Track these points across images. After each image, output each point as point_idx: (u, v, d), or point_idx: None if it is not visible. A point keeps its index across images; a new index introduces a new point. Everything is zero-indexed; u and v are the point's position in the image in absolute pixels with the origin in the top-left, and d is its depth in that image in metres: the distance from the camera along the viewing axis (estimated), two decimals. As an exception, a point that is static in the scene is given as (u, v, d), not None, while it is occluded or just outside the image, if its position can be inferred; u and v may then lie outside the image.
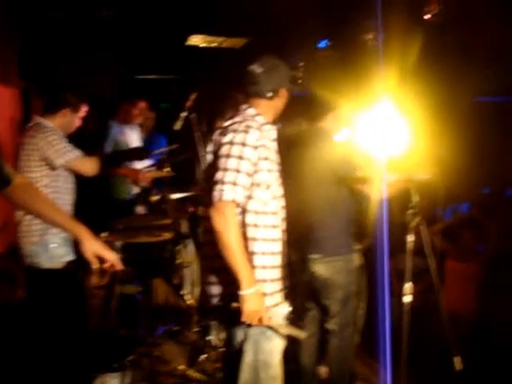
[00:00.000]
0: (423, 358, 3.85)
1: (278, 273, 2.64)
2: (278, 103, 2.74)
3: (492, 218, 4.91)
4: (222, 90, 4.27)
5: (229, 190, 2.42)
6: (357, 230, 3.64)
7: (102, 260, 2.38)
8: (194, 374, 4.00)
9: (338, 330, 3.55)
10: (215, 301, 2.63)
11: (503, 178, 6.06)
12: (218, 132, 2.62)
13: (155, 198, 4.58)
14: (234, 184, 2.43)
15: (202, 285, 2.77)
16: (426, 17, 4.70)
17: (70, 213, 3.68)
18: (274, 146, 2.69)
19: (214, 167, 2.53)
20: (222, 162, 2.47)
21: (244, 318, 2.50)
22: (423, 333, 3.98)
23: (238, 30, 6.74)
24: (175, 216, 4.37)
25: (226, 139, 2.50)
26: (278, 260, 2.65)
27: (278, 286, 2.65)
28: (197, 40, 7.16)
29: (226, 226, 2.42)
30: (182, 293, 4.56)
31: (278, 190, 2.67)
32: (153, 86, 8.48)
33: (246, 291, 2.46)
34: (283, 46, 6.10)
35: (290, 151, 3.55)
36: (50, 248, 3.49)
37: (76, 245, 2.49)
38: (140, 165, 5.51)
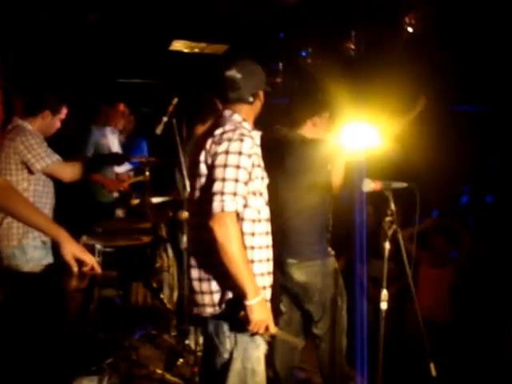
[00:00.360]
0: (399, 364, 3.89)
1: (271, 279, 2.65)
2: (257, 106, 2.73)
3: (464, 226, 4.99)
4: (203, 96, 4.28)
5: (230, 201, 2.38)
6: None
7: (81, 263, 2.38)
8: (171, 377, 4.00)
9: (324, 334, 3.58)
10: (208, 310, 2.58)
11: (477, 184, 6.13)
12: (208, 140, 2.52)
13: (135, 201, 4.57)
14: (235, 194, 2.40)
15: (189, 293, 2.72)
16: (405, 28, 4.75)
17: (50, 217, 3.66)
18: (259, 151, 2.67)
19: (208, 177, 2.49)
20: (220, 172, 2.42)
21: (252, 328, 2.47)
22: (399, 339, 4.03)
23: (220, 37, 6.75)
24: (155, 220, 4.36)
25: (220, 148, 2.45)
26: (271, 266, 2.65)
27: (270, 292, 2.65)
28: (179, 45, 7.15)
29: (229, 237, 2.39)
30: (160, 297, 4.56)
31: (267, 195, 2.66)
32: (135, 89, 8.46)
33: (252, 301, 2.42)
34: (264, 52, 6.15)
35: (269, 156, 3.59)
36: (29, 252, 3.47)
37: (55, 248, 2.49)
38: (120, 169, 5.51)
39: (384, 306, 3.06)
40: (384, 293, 3.06)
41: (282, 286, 3.64)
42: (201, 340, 4.00)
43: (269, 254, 2.64)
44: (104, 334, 4.26)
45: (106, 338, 4.25)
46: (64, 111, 3.83)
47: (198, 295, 2.60)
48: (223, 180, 2.41)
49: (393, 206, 3.02)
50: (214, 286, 2.54)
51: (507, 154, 6.57)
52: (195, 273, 2.60)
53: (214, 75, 2.69)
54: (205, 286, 2.57)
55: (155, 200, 4.45)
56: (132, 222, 4.51)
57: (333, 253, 3.64)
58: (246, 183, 2.45)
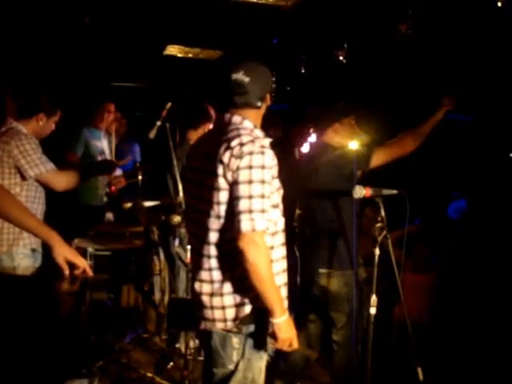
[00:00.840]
0: (387, 369, 3.91)
1: (286, 290, 2.58)
2: (264, 109, 2.59)
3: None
4: (196, 101, 4.30)
5: (260, 219, 2.27)
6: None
7: (73, 266, 2.38)
8: (161, 381, 4.00)
9: (345, 341, 3.59)
10: (218, 326, 2.49)
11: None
12: (226, 152, 2.34)
13: (128, 205, 4.57)
14: (263, 211, 2.29)
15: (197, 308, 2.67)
16: (397, 35, 4.78)
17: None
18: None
19: (231, 193, 2.34)
20: (245, 189, 2.28)
21: (279, 345, 2.47)
22: (387, 343, 4.05)
23: (214, 42, 6.78)
24: (147, 224, 4.36)
25: (243, 163, 2.29)
26: (286, 277, 2.58)
27: (287, 302, 2.58)
28: (174, 50, 7.18)
29: (261, 257, 2.31)
30: (151, 300, 4.56)
31: (282, 206, 2.56)
32: (128, 93, 8.47)
33: (280, 319, 2.39)
34: (257, 59, 6.17)
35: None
36: (17, 259, 3.44)
37: (47, 251, 2.49)
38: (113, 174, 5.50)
39: (373, 310, 3.08)
40: (373, 298, 3.08)
41: (310, 295, 3.68)
42: (191, 343, 4.01)
43: (284, 265, 2.57)
44: (95, 336, 4.26)
45: (97, 340, 4.25)
46: (58, 114, 3.79)
47: (208, 310, 2.49)
48: (250, 197, 2.28)
49: (383, 213, 3.05)
50: (227, 300, 2.45)
51: (494, 164, 6.62)
52: (206, 287, 2.49)
53: (218, 78, 2.54)
54: (216, 301, 2.46)
55: (147, 204, 4.45)
56: (124, 225, 4.50)
57: (361, 262, 3.65)
58: (269, 197, 2.35)
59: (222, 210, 2.38)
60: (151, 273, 4.41)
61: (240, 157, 2.30)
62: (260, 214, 2.28)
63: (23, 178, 3.49)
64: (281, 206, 2.53)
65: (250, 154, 2.30)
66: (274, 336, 2.44)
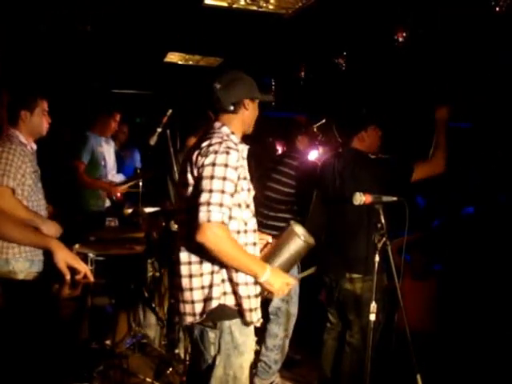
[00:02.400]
0: (386, 376, 3.89)
1: (258, 288, 2.64)
2: (246, 115, 2.70)
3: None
4: (196, 108, 4.30)
5: (216, 211, 2.39)
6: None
7: (74, 271, 2.37)
8: (160, 386, 3.99)
9: (359, 345, 3.59)
10: (188, 319, 2.60)
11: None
12: (195, 152, 2.54)
13: (128, 211, 4.57)
14: (221, 205, 2.41)
15: (173, 302, 2.75)
16: (396, 42, 4.79)
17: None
18: (246, 164, 2.68)
19: (195, 188, 2.51)
20: (206, 184, 2.44)
21: (278, 296, 2.65)
22: (386, 350, 4.03)
23: (214, 50, 6.79)
24: (147, 230, 4.35)
25: (207, 160, 2.46)
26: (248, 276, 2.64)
27: (258, 301, 2.66)
28: (174, 57, 7.18)
29: (219, 242, 2.42)
30: (151, 305, 4.54)
31: (253, 207, 2.68)
32: (128, 100, 8.48)
33: (265, 276, 2.54)
34: (257, 66, 6.18)
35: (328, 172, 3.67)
36: (12, 262, 3.41)
37: (48, 256, 2.48)
38: (114, 179, 5.50)
39: (373, 317, 3.07)
40: (373, 305, 3.07)
41: (333, 298, 3.72)
42: (190, 349, 4.00)
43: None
44: (95, 341, 4.25)
45: (97, 345, 4.23)
46: (42, 103, 3.58)
47: (180, 304, 2.62)
48: (210, 191, 2.42)
49: (382, 220, 3.04)
50: (196, 295, 2.56)
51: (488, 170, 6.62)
52: (178, 282, 2.62)
53: (205, 88, 2.70)
54: (187, 295, 2.58)
55: (148, 210, 4.45)
56: (125, 231, 4.49)
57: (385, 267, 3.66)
58: (231, 195, 2.46)
59: (189, 204, 2.53)
60: (151, 278, 4.39)
61: (206, 155, 2.49)
62: (217, 206, 2.40)
63: None
64: (252, 207, 2.65)
65: (215, 152, 2.47)
66: (271, 293, 2.62)
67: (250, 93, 2.70)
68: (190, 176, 2.54)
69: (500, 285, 4.50)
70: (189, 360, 2.93)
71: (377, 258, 3.04)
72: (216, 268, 2.54)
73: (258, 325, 2.68)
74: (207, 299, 2.54)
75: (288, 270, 2.77)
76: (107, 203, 5.43)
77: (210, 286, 2.54)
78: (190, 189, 2.54)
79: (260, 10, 4.92)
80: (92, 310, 3.97)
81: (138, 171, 5.05)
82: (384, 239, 3.01)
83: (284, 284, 2.61)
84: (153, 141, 4.33)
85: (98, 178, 5.29)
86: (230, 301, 2.57)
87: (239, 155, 2.53)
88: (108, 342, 4.34)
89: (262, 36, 5.85)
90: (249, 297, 2.57)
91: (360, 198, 2.99)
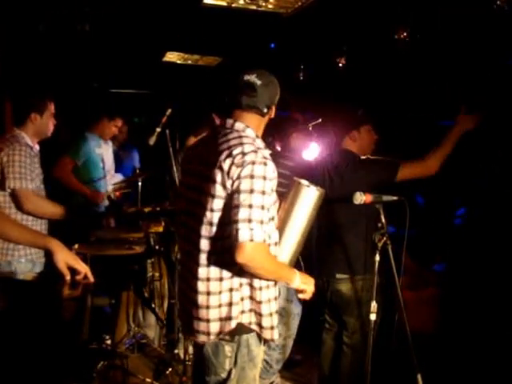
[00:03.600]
0: (386, 376, 3.89)
1: (277, 304, 2.56)
2: (266, 121, 2.54)
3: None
4: (196, 108, 4.29)
5: (258, 230, 2.23)
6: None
7: (73, 271, 2.37)
8: (160, 386, 4.00)
9: (357, 344, 3.60)
10: (201, 338, 2.45)
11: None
12: (226, 160, 2.30)
13: (128, 210, 4.55)
14: (262, 222, 2.25)
15: (182, 316, 2.64)
16: (396, 41, 4.80)
17: (45, 228, 3.63)
18: None
19: (228, 201, 2.30)
20: (245, 198, 2.23)
21: (308, 298, 2.59)
22: (386, 350, 4.03)
23: (213, 49, 6.79)
24: (147, 230, 4.35)
25: (244, 172, 2.25)
26: (277, 291, 2.55)
27: (277, 318, 2.55)
28: (173, 57, 7.19)
29: (262, 262, 2.31)
30: (151, 306, 4.54)
31: (276, 219, 2.54)
32: (127, 99, 8.48)
33: (296, 282, 2.48)
34: (256, 66, 6.17)
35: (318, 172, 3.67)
36: (14, 263, 3.42)
37: (48, 257, 2.48)
38: (112, 180, 5.50)
39: (373, 317, 3.07)
40: (373, 304, 3.07)
41: (326, 299, 3.72)
42: (190, 349, 4.00)
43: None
44: (94, 342, 4.25)
45: (97, 345, 4.23)
46: (51, 105, 3.66)
47: (193, 320, 2.44)
48: (250, 207, 2.23)
49: (383, 219, 3.04)
50: (212, 314, 2.39)
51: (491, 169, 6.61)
52: (193, 297, 2.42)
53: (229, 78, 2.50)
54: (202, 313, 2.41)
55: (147, 210, 4.44)
56: (124, 231, 4.49)
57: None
58: (269, 209, 2.32)
59: (215, 217, 2.34)
60: (151, 279, 4.39)
61: (242, 165, 2.26)
62: (259, 224, 2.24)
63: (3, 186, 3.43)
64: (275, 219, 2.50)
65: (253, 163, 2.26)
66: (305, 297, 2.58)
67: (277, 99, 2.54)
68: (219, 187, 2.31)
69: (501, 285, 4.49)
70: (193, 374, 2.83)
71: (377, 258, 3.04)
72: (235, 286, 2.40)
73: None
74: (225, 318, 2.39)
75: (310, 226, 2.66)
76: (106, 203, 5.42)
77: (230, 305, 2.39)
78: (220, 200, 2.32)
79: (259, 9, 4.92)
80: (92, 311, 3.97)
81: (137, 171, 5.03)
82: (385, 239, 3.00)
83: (311, 289, 2.56)
84: (152, 141, 4.33)
85: (96, 179, 5.28)
86: (246, 319, 2.43)
87: (274, 165, 2.35)
88: (108, 342, 4.35)
89: (262, 35, 5.86)
90: (271, 314, 2.45)
91: (360, 198, 2.98)
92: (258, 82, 2.40)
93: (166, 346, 4.58)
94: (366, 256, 3.50)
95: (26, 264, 3.42)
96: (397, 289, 3.08)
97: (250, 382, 2.53)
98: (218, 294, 2.38)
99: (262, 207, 2.25)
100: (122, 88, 8.43)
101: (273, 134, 4.74)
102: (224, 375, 2.48)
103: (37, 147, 3.67)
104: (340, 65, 5.80)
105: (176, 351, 4.33)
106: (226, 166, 2.29)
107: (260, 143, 2.43)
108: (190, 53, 7.02)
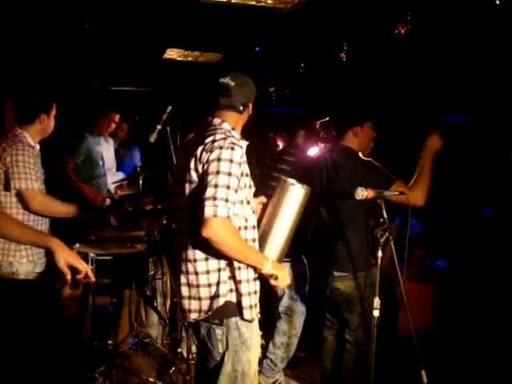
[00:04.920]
0: (390, 372, 3.90)
1: (257, 285, 2.69)
2: (245, 117, 2.80)
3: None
4: (197, 105, 4.29)
5: (222, 206, 2.43)
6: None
7: (75, 271, 2.38)
8: (163, 386, 4.00)
9: (359, 341, 3.61)
10: (192, 316, 2.64)
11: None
12: (199, 148, 2.55)
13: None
14: (226, 200, 2.45)
15: (176, 299, 2.76)
16: (396, 36, 4.79)
17: (46, 228, 3.63)
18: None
19: (199, 184, 2.53)
20: (212, 179, 2.46)
21: (279, 286, 2.74)
22: (390, 346, 4.04)
23: (213, 45, 6.79)
24: (148, 228, 4.35)
25: (212, 156, 2.49)
26: (256, 273, 2.68)
27: (257, 298, 2.71)
28: (173, 54, 7.19)
29: (225, 237, 2.47)
30: (153, 304, 4.55)
31: (254, 204, 2.73)
32: (127, 97, 8.48)
33: (267, 267, 2.61)
34: (256, 62, 6.19)
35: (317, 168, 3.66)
36: (15, 263, 3.43)
37: (49, 256, 2.49)
38: (113, 178, 5.51)
39: (376, 313, 3.08)
40: (376, 300, 3.08)
41: (326, 297, 3.73)
42: (193, 348, 4.00)
43: None
44: (97, 341, 4.26)
45: (99, 345, 4.24)
46: (53, 107, 3.68)
47: (185, 300, 2.65)
48: (215, 186, 2.45)
49: (385, 214, 3.04)
50: (203, 292, 2.60)
51: (490, 164, 6.62)
52: (184, 279, 2.64)
53: (207, 83, 2.76)
54: (193, 292, 2.62)
55: (149, 207, 4.45)
56: (126, 229, 4.50)
57: (374, 262, 3.65)
58: (236, 191, 2.50)
59: (193, 201, 2.56)
60: (153, 277, 4.40)
61: (210, 150, 2.51)
62: (223, 201, 2.44)
63: (8, 187, 3.42)
64: (252, 203, 2.68)
65: (220, 148, 2.50)
66: (275, 284, 2.70)
67: (254, 98, 2.79)
68: (194, 173, 2.56)
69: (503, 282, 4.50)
70: (196, 358, 2.95)
71: (380, 254, 3.04)
72: (223, 265, 2.59)
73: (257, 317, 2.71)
74: (214, 296, 2.58)
75: (296, 225, 2.79)
76: (108, 200, 5.42)
77: (218, 284, 2.58)
78: (194, 185, 2.56)
79: (259, 4, 4.91)
80: (94, 310, 3.98)
81: (138, 169, 5.04)
82: (387, 234, 3.01)
83: (284, 277, 2.68)
84: (152, 138, 4.32)
85: (96, 177, 5.29)
86: (234, 298, 2.61)
87: (242, 151, 2.58)
88: (110, 342, 4.36)
89: (262, 31, 5.85)
90: (249, 294, 2.62)
91: (362, 193, 2.98)
92: (232, 84, 2.67)
93: (169, 345, 4.59)
94: (366, 253, 3.52)
95: (27, 264, 3.43)
96: (400, 285, 3.09)
97: (244, 365, 2.65)
98: (206, 274, 2.59)
99: (228, 187, 2.45)
100: (122, 86, 8.43)
101: (278, 131, 4.75)
102: (219, 358, 2.65)
103: (37, 147, 3.68)
104: (342, 59, 5.80)
105: (179, 350, 4.34)
106: (198, 152, 2.54)
107: (235, 134, 2.67)
108: (190, 49, 7.02)
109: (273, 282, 2.69)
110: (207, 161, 2.50)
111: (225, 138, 2.54)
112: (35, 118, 3.58)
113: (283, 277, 2.68)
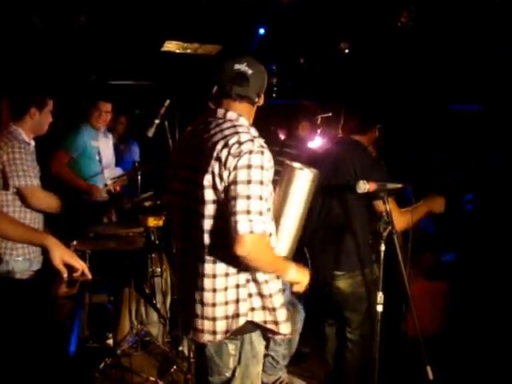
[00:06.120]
0: (395, 367, 3.90)
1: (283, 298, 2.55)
2: (256, 108, 2.55)
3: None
4: (196, 98, 4.28)
5: (258, 221, 2.22)
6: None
7: (71, 269, 2.38)
8: (164, 385, 4.01)
9: (361, 340, 3.60)
10: (206, 337, 2.42)
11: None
12: (223, 150, 2.28)
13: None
14: (261, 214, 2.24)
15: (182, 315, 2.64)
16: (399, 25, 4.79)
17: (41, 226, 3.65)
18: None
19: (226, 193, 2.28)
20: (243, 189, 2.22)
21: (301, 291, 2.62)
22: (394, 341, 4.04)
23: (213, 37, 6.78)
24: (147, 224, 4.36)
25: (241, 162, 2.24)
26: (279, 284, 2.53)
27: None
28: (171, 46, 7.18)
29: (262, 254, 2.31)
30: (153, 302, 4.56)
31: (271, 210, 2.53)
32: (126, 91, 8.47)
33: (291, 275, 2.48)
34: (257, 53, 6.16)
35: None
36: (12, 262, 3.45)
37: (45, 254, 2.49)
38: (111, 174, 5.50)
39: (380, 308, 3.07)
40: (380, 295, 3.07)
41: (325, 297, 3.70)
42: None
43: None
44: (95, 340, 4.27)
45: (98, 344, 4.25)
46: (50, 102, 3.68)
47: (197, 320, 2.42)
48: (248, 198, 2.22)
49: (388, 208, 3.04)
50: (219, 311, 2.38)
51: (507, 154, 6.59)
52: (199, 295, 2.40)
53: (219, 68, 2.46)
54: (207, 311, 2.39)
55: (148, 203, 4.45)
56: (124, 226, 4.50)
57: (374, 259, 3.63)
58: (267, 200, 2.32)
59: (216, 210, 2.33)
60: (152, 274, 4.41)
61: (239, 155, 2.25)
62: (258, 216, 2.23)
63: (6, 186, 3.45)
64: (272, 209, 2.49)
65: (250, 152, 2.25)
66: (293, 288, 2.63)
67: (265, 87, 2.54)
68: (217, 179, 2.29)
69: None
70: (195, 375, 2.87)
71: (382, 248, 3.03)
72: (242, 281, 2.39)
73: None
74: (232, 316, 2.38)
75: (307, 211, 2.65)
76: (105, 194, 5.41)
77: (237, 302, 2.38)
78: (217, 192, 2.31)
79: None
80: (92, 309, 4.00)
81: (136, 164, 5.03)
82: (390, 228, 2.99)
83: (305, 282, 2.58)
84: (151, 133, 4.31)
85: (92, 173, 5.28)
86: (260, 317, 2.44)
87: (271, 154, 2.34)
88: (110, 341, 4.37)
89: (262, 22, 5.85)
90: (282, 306, 2.47)
91: (364, 186, 2.96)
92: (250, 72, 2.41)
93: (170, 343, 4.59)
94: (364, 250, 3.51)
95: (23, 263, 3.45)
96: (404, 279, 3.08)
97: (254, 379, 2.53)
98: (224, 291, 2.37)
99: (261, 197, 2.24)
100: (120, 79, 8.42)
101: (279, 122, 4.73)
102: (229, 374, 2.48)
103: (33, 143, 3.68)
104: (345, 51, 5.80)
105: (180, 348, 4.35)
106: (222, 156, 2.27)
107: (254, 132, 2.42)
108: (189, 41, 7.01)
109: (296, 288, 2.60)
110: (235, 167, 2.24)
111: (252, 140, 2.29)
112: (26, 113, 3.58)
113: (306, 282, 2.58)
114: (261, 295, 2.42)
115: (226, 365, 2.47)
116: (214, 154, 2.30)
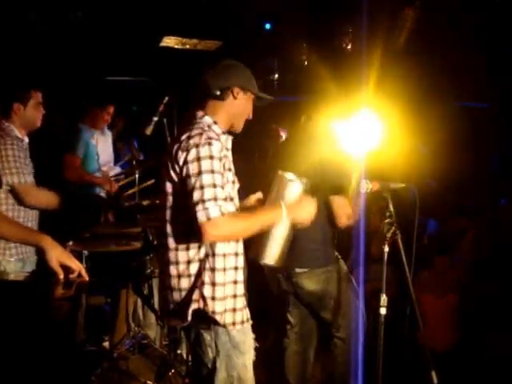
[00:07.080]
0: (399, 372, 3.90)
1: (242, 288, 2.65)
2: (234, 105, 2.65)
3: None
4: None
5: (212, 207, 2.39)
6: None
7: (67, 270, 2.38)
8: (162, 388, 4.01)
9: (347, 336, 3.59)
10: (175, 306, 2.60)
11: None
12: (174, 146, 2.52)
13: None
14: (215, 199, 2.40)
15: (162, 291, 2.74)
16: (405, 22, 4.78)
17: (36, 225, 3.64)
18: (230, 155, 2.67)
19: (182, 186, 2.49)
20: (195, 181, 2.42)
21: (309, 221, 2.71)
22: (398, 345, 4.03)
23: (212, 33, 6.77)
24: (145, 224, 4.35)
25: (190, 156, 2.44)
26: (240, 275, 2.65)
27: (243, 301, 2.66)
28: (170, 41, 7.17)
29: (228, 233, 2.50)
30: (151, 304, 4.55)
31: (237, 200, 2.67)
32: (122, 87, 8.46)
33: (284, 216, 2.59)
34: (258, 49, 6.17)
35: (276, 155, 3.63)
36: (3, 262, 3.44)
37: (40, 255, 2.49)
38: (110, 173, 5.50)
39: (383, 311, 3.07)
40: (383, 298, 3.07)
41: (291, 297, 3.68)
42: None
43: (239, 262, 2.66)
44: (93, 343, 4.27)
45: (95, 347, 4.25)
46: (37, 94, 3.65)
47: (170, 304, 2.63)
48: (201, 188, 2.41)
49: (391, 208, 3.03)
50: (185, 295, 2.57)
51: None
52: (168, 281, 2.62)
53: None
54: (176, 295, 2.59)
55: (145, 203, 4.44)
56: (121, 226, 4.49)
57: (340, 257, 3.65)
58: (222, 187, 2.46)
59: (173, 201, 2.56)
60: (150, 275, 4.40)
61: (187, 150, 2.46)
62: (212, 202, 2.40)
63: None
64: (235, 200, 2.64)
65: (197, 146, 2.44)
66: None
67: (243, 82, 2.65)
68: (172, 172, 2.52)
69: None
70: (191, 364, 2.92)
71: (386, 249, 3.02)
72: (206, 268, 2.54)
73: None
74: (196, 300, 2.53)
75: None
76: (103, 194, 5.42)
77: (202, 284, 2.53)
78: (173, 185, 2.54)
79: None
80: (89, 310, 3.98)
81: (134, 163, 5.03)
82: (393, 228, 2.99)
83: (308, 212, 2.69)
84: (149, 130, 4.31)
85: (91, 172, 5.29)
86: (209, 303, 2.55)
87: (222, 145, 2.52)
88: (106, 344, 4.36)
89: (263, 18, 5.85)
90: (225, 298, 2.56)
91: (367, 186, 2.98)
92: (209, 71, 2.62)
93: (167, 346, 4.58)
94: (326, 247, 3.52)
95: (15, 263, 3.44)
96: (408, 281, 3.08)
97: (240, 370, 2.60)
98: (188, 277, 2.56)
99: (214, 185, 2.42)
100: (117, 75, 8.41)
101: (279, 122, 4.72)
102: (210, 365, 2.59)
103: (26, 139, 3.67)
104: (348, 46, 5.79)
105: (178, 351, 4.33)
106: (173, 151, 2.51)
107: (216, 128, 2.60)
108: (188, 37, 7.00)
109: (300, 224, 2.71)
110: (185, 161, 2.45)
111: (201, 134, 2.48)
112: (10, 109, 3.57)
113: (309, 213, 2.69)
114: (213, 284, 2.55)
115: (206, 355, 2.59)
116: (170, 150, 2.53)
